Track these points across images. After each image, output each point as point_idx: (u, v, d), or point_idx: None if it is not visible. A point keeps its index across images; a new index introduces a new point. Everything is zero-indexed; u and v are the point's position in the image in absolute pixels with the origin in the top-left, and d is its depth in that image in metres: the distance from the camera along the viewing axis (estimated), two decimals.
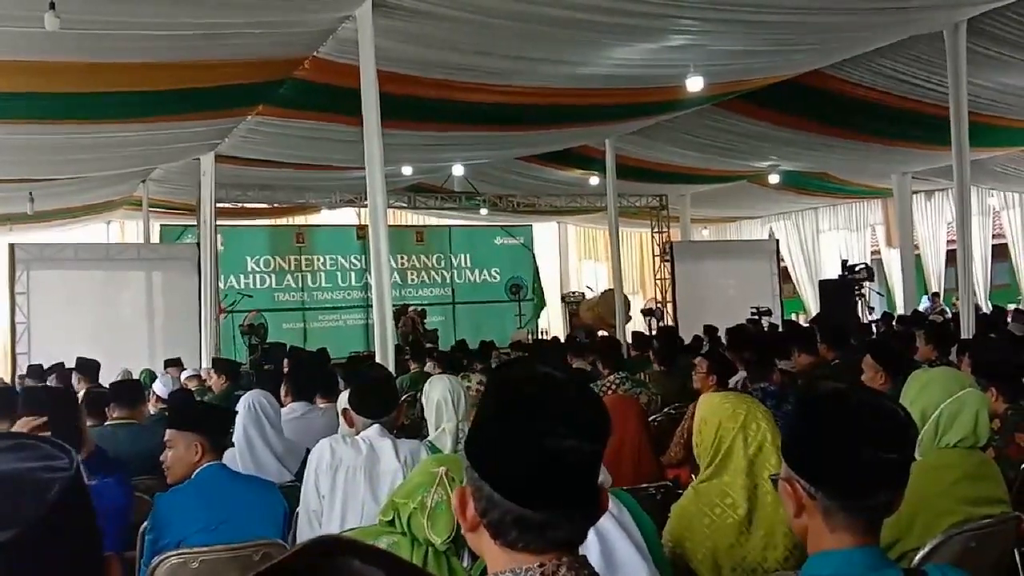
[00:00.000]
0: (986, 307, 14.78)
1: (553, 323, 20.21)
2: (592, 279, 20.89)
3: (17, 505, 0.76)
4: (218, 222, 12.45)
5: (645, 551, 2.16)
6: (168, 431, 3.29)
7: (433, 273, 18.66)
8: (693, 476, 2.75)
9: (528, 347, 11.64)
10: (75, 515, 0.80)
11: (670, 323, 16.14)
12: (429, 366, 8.48)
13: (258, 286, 16.82)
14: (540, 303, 19.73)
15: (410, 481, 2.24)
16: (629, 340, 11.19)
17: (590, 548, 2.10)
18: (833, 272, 17.33)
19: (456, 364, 8.15)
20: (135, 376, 8.20)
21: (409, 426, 5.50)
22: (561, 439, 1.21)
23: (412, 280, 18.33)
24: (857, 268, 15.26)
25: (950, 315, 13.33)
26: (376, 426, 3.28)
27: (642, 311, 17.85)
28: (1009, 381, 3.94)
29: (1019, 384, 4.13)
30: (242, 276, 16.65)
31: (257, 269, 16.95)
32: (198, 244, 12.65)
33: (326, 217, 18.52)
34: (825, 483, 1.53)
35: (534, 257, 19.86)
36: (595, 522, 1.29)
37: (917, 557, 2.53)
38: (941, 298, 17.15)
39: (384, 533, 2.18)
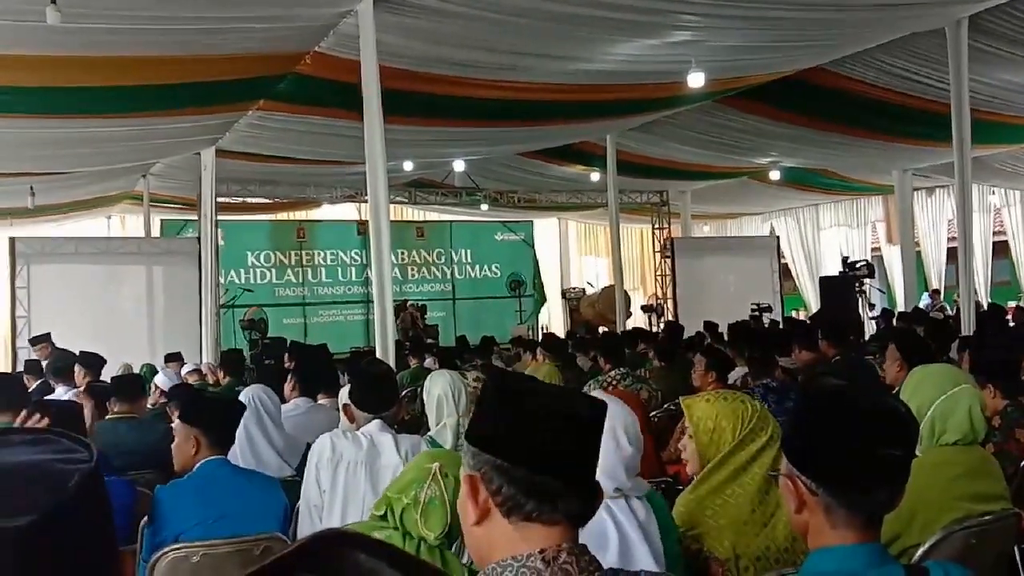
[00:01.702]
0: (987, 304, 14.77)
1: (554, 319, 20.21)
2: (593, 275, 20.89)
3: (36, 493, 0.76)
4: (219, 217, 12.46)
5: (662, 559, 2.17)
6: (175, 420, 3.33)
7: (434, 268, 18.65)
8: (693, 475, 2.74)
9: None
10: (93, 505, 0.81)
11: (671, 319, 16.14)
12: (429, 362, 8.49)
13: (259, 281, 16.81)
14: (540, 299, 19.72)
15: (403, 477, 2.23)
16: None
17: (609, 542, 2.12)
18: (834, 269, 17.32)
19: (454, 360, 8.17)
20: (136, 370, 8.22)
21: (409, 421, 5.51)
22: (567, 401, 1.34)
23: (413, 276, 18.32)
24: (858, 265, 15.23)
25: (951, 312, 13.34)
26: (377, 421, 3.29)
27: (642, 307, 17.85)
28: (1007, 378, 3.94)
29: (1018, 381, 4.14)
30: (243, 271, 16.63)
31: (258, 264, 16.93)
32: (199, 239, 12.65)
33: (327, 212, 18.51)
34: (827, 480, 1.53)
35: (535, 253, 19.85)
36: (596, 507, 1.35)
37: (918, 554, 2.53)
38: (941, 295, 17.15)
39: (376, 528, 2.18)
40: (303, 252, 17.33)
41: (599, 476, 2.20)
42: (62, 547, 0.76)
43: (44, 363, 8.39)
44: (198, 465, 3.17)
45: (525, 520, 1.27)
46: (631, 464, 2.31)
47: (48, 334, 9.92)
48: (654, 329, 15.07)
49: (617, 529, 2.17)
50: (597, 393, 2.58)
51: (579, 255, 22.74)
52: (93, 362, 7.18)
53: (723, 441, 2.47)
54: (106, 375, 7.08)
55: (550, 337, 10.27)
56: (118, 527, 2.73)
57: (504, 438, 1.30)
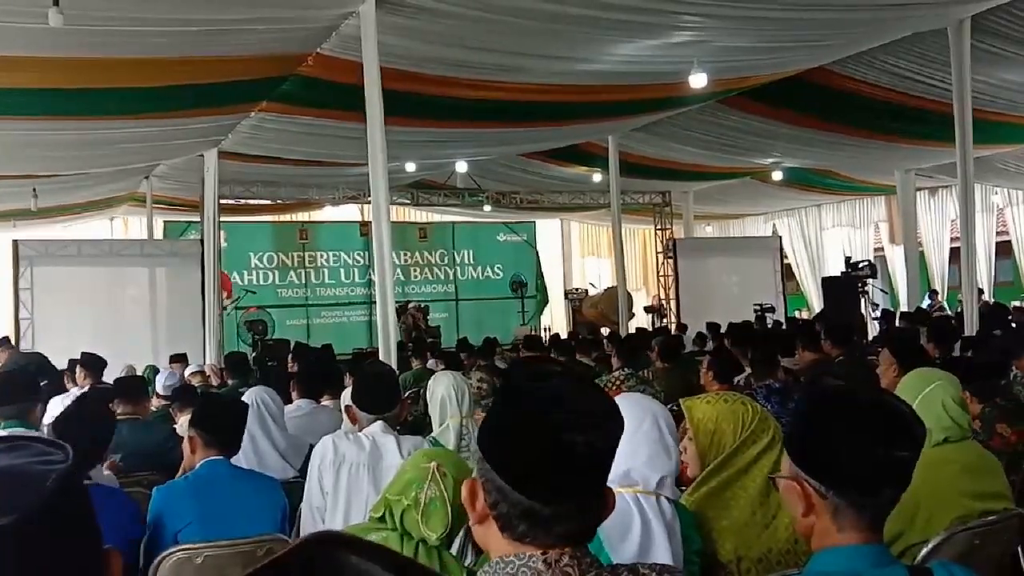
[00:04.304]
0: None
1: (556, 320, 20.22)
2: (595, 276, 20.89)
3: (16, 494, 0.78)
4: (222, 218, 12.48)
5: (681, 564, 2.17)
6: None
7: (436, 270, 18.68)
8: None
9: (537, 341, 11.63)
10: (73, 504, 0.83)
11: (674, 320, 16.15)
12: (432, 363, 8.49)
13: (262, 282, 16.85)
14: (543, 300, 19.74)
15: (401, 477, 2.22)
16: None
17: (632, 534, 2.12)
18: (836, 269, 17.30)
19: (458, 361, 8.17)
20: (138, 372, 8.22)
21: (412, 423, 5.51)
22: (575, 434, 1.22)
23: (415, 277, 18.35)
24: (860, 265, 15.23)
25: (951, 313, 13.31)
26: (379, 422, 3.28)
27: (645, 308, 17.85)
28: (981, 383, 4.03)
29: (992, 384, 4.30)
30: (246, 272, 16.67)
31: (261, 265, 16.97)
32: (202, 240, 12.67)
33: (329, 213, 18.54)
34: (837, 483, 1.52)
35: (537, 254, 19.86)
36: (601, 521, 1.30)
37: (921, 554, 2.53)
38: (943, 296, 17.13)
39: (373, 530, 2.18)
40: (306, 253, 17.37)
41: (642, 466, 2.21)
42: (45, 544, 0.78)
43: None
44: (197, 465, 3.18)
45: (517, 540, 1.24)
46: (673, 457, 2.32)
47: (6, 337, 9.96)
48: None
49: (642, 522, 2.17)
50: (647, 399, 2.56)
51: (581, 256, 22.74)
52: (93, 363, 7.19)
53: (724, 443, 2.45)
54: (109, 377, 7.10)
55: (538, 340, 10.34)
56: (123, 528, 2.71)
57: (501, 457, 1.25)
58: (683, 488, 2.59)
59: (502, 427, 1.29)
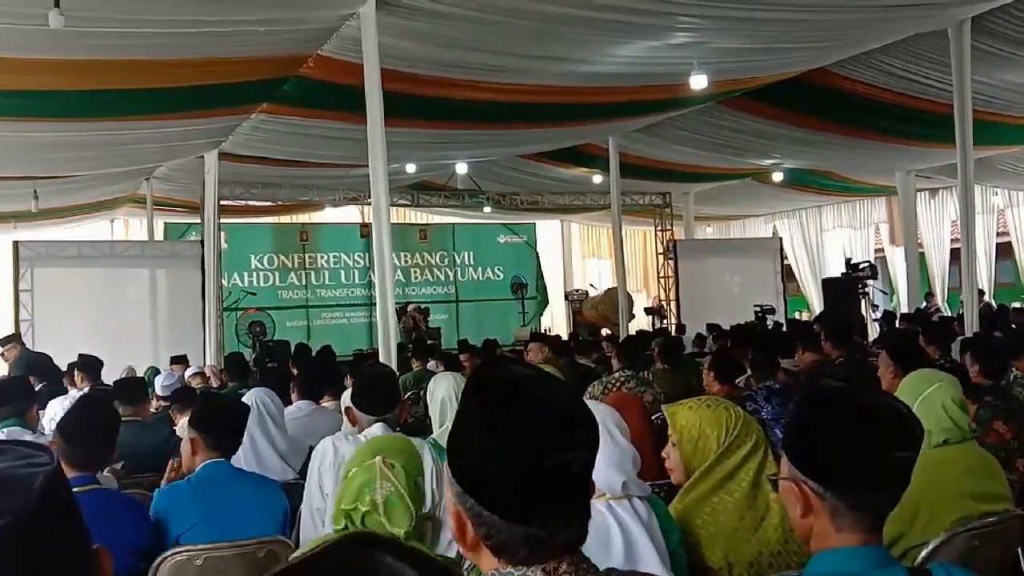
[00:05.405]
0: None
1: (556, 321, 20.21)
2: (596, 277, 20.88)
3: (4, 498, 0.78)
4: (222, 220, 12.48)
5: (667, 558, 2.17)
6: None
7: (436, 271, 18.67)
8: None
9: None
10: (60, 505, 0.84)
11: (674, 321, 16.14)
12: (432, 364, 8.50)
13: (262, 284, 16.84)
14: (543, 301, 19.73)
15: (351, 483, 2.13)
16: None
17: (613, 543, 2.11)
18: (837, 270, 17.30)
19: (458, 362, 8.18)
20: (139, 373, 8.23)
21: (413, 424, 5.51)
22: (562, 453, 1.18)
23: (415, 278, 18.34)
24: (861, 266, 15.23)
25: (952, 315, 13.31)
26: (379, 424, 3.28)
27: (645, 309, 17.84)
28: (970, 384, 4.08)
29: (982, 386, 4.40)
30: (246, 274, 16.67)
31: (261, 267, 16.96)
32: (202, 242, 12.67)
33: (330, 215, 18.54)
34: (835, 484, 1.52)
35: (537, 255, 19.85)
36: (589, 516, 1.26)
37: (921, 555, 2.53)
38: (939, 298, 17.12)
39: None
40: (306, 255, 17.36)
41: (609, 472, 2.20)
42: (34, 546, 0.79)
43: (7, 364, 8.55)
44: (198, 467, 3.18)
45: (519, 564, 1.20)
46: (635, 460, 2.32)
47: (17, 334, 9.96)
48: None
49: (621, 529, 2.17)
50: (592, 402, 2.54)
51: (582, 257, 22.73)
52: (90, 365, 7.19)
53: (708, 449, 2.43)
54: (110, 378, 7.09)
55: (554, 337, 10.31)
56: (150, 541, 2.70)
57: (488, 492, 1.18)
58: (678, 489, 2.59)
59: (482, 456, 1.20)
